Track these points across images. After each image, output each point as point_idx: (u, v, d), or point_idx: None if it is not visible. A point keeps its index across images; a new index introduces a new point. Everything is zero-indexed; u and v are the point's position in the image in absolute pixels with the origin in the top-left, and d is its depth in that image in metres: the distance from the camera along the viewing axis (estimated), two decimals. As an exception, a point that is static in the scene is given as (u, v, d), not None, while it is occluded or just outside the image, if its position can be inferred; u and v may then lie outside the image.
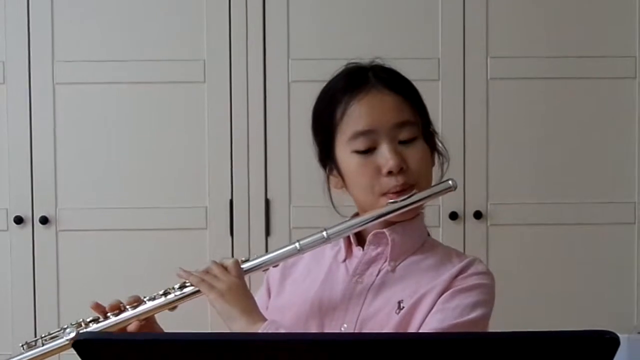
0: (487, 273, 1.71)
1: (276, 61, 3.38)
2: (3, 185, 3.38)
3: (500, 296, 1.72)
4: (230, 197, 3.38)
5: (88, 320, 1.70)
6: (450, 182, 1.72)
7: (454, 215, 3.36)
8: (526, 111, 3.40)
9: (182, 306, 1.74)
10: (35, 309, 3.39)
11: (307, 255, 1.80)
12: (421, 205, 1.73)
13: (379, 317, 1.67)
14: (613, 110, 3.42)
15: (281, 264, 1.81)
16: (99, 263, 3.39)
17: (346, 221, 1.72)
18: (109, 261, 3.38)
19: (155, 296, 1.70)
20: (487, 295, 1.68)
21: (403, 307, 1.65)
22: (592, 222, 3.41)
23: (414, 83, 1.77)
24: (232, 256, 3.33)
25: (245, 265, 1.71)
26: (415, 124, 1.71)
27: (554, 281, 3.41)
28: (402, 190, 1.68)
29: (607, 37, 3.40)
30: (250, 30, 3.37)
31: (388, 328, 1.65)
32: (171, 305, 1.70)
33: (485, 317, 1.66)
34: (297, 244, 1.70)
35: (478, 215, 3.38)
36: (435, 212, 3.30)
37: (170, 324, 1.76)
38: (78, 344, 1.15)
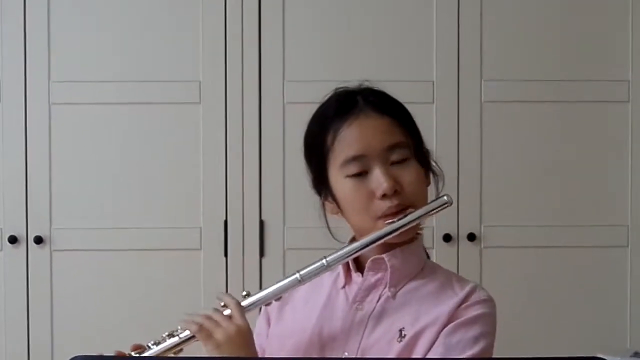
0: (489, 300, 1.69)
1: (271, 82, 3.38)
2: (-2, 205, 3.38)
3: (494, 319, 1.72)
4: (224, 218, 3.38)
5: None
6: (445, 197, 1.70)
7: (447, 237, 3.37)
8: (520, 134, 3.42)
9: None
10: (28, 329, 3.37)
11: None
12: (418, 225, 1.71)
13: (380, 346, 1.65)
14: (606, 133, 3.43)
15: None
16: (93, 283, 3.37)
17: (345, 247, 1.69)
18: (103, 281, 3.37)
19: (159, 341, 1.66)
20: (489, 325, 1.67)
21: (404, 336, 1.64)
22: (585, 245, 3.41)
23: (408, 106, 1.76)
24: (226, 277, 3.36)
25: (245, 302, 1.67)
26: (406, 145, 1.70)
27: (548, 303, 3.41)
28: (398, 212, 1.66)
29: (600, 60, 3.41)
30: (246, 51, 3.38)
31: (390, 357, 1.63)
32: (176, 349, 1.66)
33: (488, 350, 1.64)
34: (297, 275, 1.67)
35: (472, 237, 3.38)
36: (429, 233, 3.30)
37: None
38: None
